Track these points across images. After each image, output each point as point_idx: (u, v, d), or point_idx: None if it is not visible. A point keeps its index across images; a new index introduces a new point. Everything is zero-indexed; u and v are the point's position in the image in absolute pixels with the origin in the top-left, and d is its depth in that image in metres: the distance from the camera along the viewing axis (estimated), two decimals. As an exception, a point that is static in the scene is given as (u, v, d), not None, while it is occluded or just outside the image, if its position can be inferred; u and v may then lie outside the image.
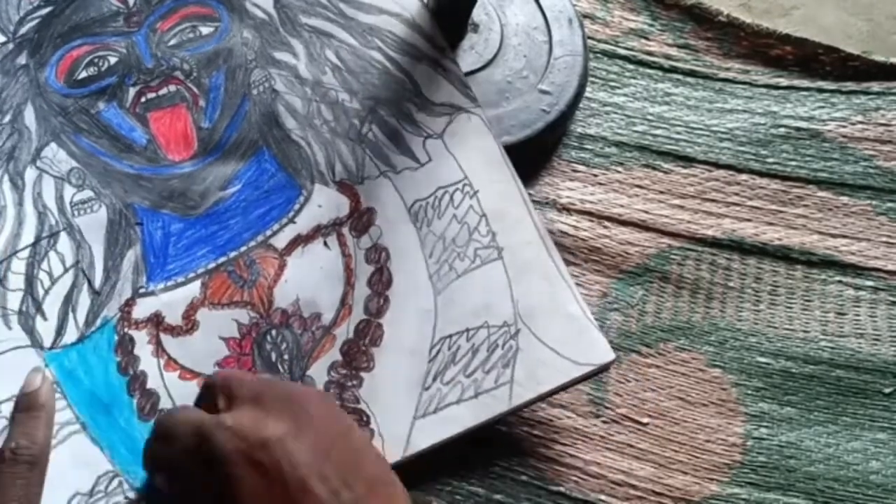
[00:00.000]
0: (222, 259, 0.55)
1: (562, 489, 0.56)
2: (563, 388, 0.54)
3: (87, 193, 0.56)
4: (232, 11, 0.62)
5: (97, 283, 0.54)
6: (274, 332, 0.54)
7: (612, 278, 0.63)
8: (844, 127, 0.69)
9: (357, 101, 0.60)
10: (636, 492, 0.56)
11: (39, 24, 0.61)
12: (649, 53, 0.71)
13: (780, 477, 0.57)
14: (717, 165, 0.67)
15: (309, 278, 0.55)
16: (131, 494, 0.50)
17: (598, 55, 0.71)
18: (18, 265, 0.54)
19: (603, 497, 0.56)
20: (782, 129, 0.69)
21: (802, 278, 0.64)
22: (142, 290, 0.54)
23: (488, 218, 0.57)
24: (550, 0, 0.68)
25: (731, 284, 0.63)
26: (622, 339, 0.61)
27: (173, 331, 0.54)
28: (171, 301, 0.54)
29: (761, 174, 0.67)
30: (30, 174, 0.56)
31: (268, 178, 0.58)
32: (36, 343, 0.53)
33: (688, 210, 0.65)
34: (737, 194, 0.66)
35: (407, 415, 0.52)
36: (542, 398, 0.54)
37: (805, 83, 0.71)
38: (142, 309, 0.54)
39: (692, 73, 0.71)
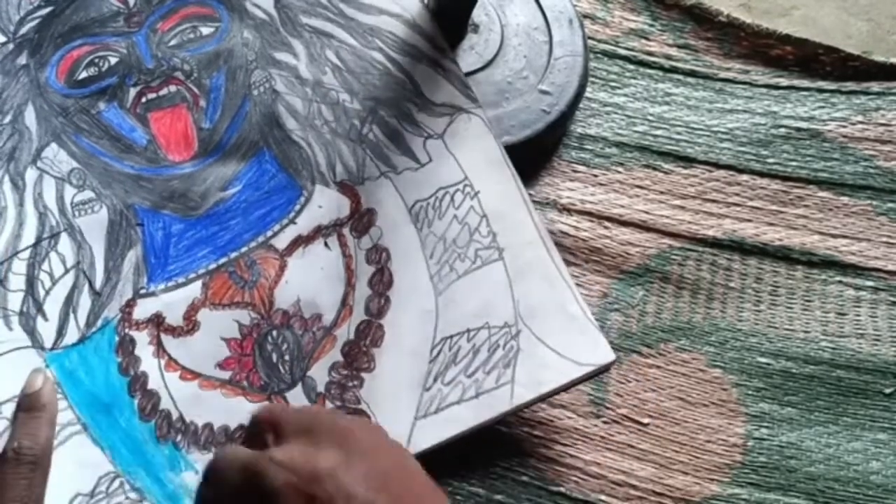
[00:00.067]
0: (223, 260, 0.55)
1: (562, 489, 0.56)
2: (564, 388, 0.54)
3: (88, 194, 0.56)
4: (232, 12, 0.62)
5: (98, 283, 0.54)
6: (275, 332, 0.54)
7: (613, 279, 0.63)
8: (844, 127, 0.69)
9: (357, 102, 0.60)
10: (637, 492, 0.56)
11: (40, 24, 0.61)
12: (649, 54, 0.71)
13: (780, 477, 0.57)
14: (718, 166, 0.67)
15: (310, 279, 0.55)
16: (132, 495, 0.50)
17: (599, 55, 0.71)
18: (19, 266, 0.54)
19: (603, 497, 0.56)
20: (782, 130, 0.69)
21: (803, 278, 0.64)
22: (142, 291, 0.54)
23: (489, 218, 0.57)
24: (551, 0, 0.68)
25: (731, 285, 0.63)
26: (623, 340, 0.61)
27: (174, 331, 0.54)
28: (171, 302, 0.54)
29: (762, 174, 0.67)
30: (30, 175, 0.56)
31: (268, 178, 0.58)
32: (37, 344, 0.53)
33: (688, 210, 0.65)
34: (737, 195, 0.66)
35: (408, 415, 0.52)
36: (543, 398, 0.54)
37: (805, 83, 0.71)
38: (142, 309, 0.54)
39: (692, 74, 0.71)
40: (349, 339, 0.54)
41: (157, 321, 0.54)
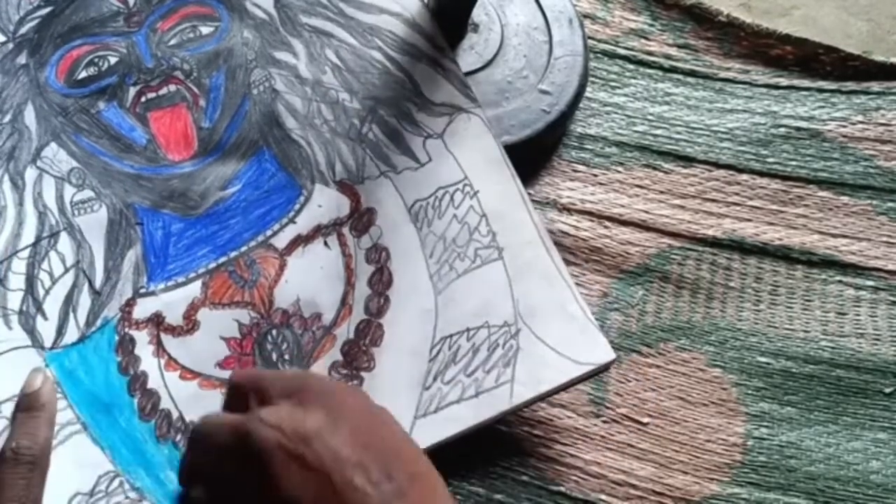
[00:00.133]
0: (223, 259, 0.55)
1: (562, 489, 0.56)
2: (564, 387, 0.54)
3: (88, 193, 0.56)
4: (232, 11, 0.62)
5: (98, 283, 0.54)
6: (275, 332, 0.54)
7: (613, 278, 0.63)
8: (844, 127, 0.69)
9: (357, 101, 0.60)
10: (636, 492, 0.56)
11: (39, 23, 0.61)
12: (649, 53, 0.71)
13: (780, 477, 0.57)
14: (718, 165, 0.67)
15: (309, 278, 0.55)
16: (132, 494, 0.50)
17: (599, 55, 0.71)
18: (19, 265, 0.54)
19: (603, 497, 0.56)
20: (782, 129, 0.69)
21: (803, 278, 0.64)
22: (142, 290, 0.54)
23: (488, 218, 0.57)
24: (551, 0, 0.68)
25: (731, 284, 0.63)
26: (622, 339, 0.61)
27: (174, 331, 0.54)
28: (171, 301, 0.54)
29: (762, 174, 0.67)
30: (30, 174, 0.56)
31: (268, 177, 0.58)
32: (36, 343, 0.53)
33: (688, 210, 0.65)
34: (737, 194, 0.66)
35: (408, 414, 0.52)
36: (543, 398, 0.54)
37: (805, 83, 0.71)
38: (142, 309, 0.54)
39: (692, 73, 0.71)
40: (349, 339, 0.54)
41: (156, 320, 0.54)
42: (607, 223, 0.64)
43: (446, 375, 0.53)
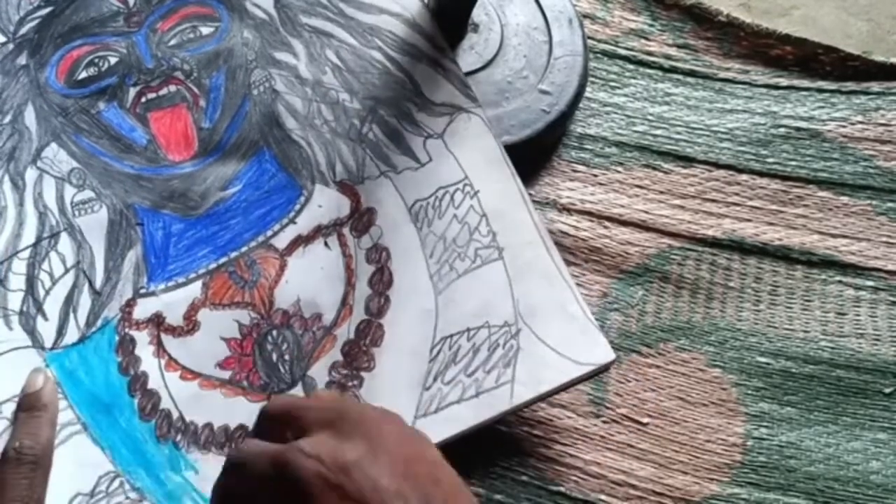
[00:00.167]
0: (223, 259, 0.55)
1: (562, 489, 0.56)
2: (564, 387, 0.54)
3: (88, 194, 0.56)
4: (232, 11, 0.62)
5: (98, 283, 0.54)
6: (275, 332, 0.54)
7: (613, 278, 0.63)
8: (844, 127, 0.69)
9: (357, 101, 0.60)
10: (636, 492, 0.56)
11: (39, 24, 0.61)
12: (649, 53, 0.71)
13: (780, 477, 0.57)
14: (718, 165, 0.67)
15: (310, 278, 0.55)
16: (132, 494, 0.50)
17: (599, 55, 0.71)
18: (19, 266, 0.54)
19: (603, 497, 0.56)
20: (782, 129, 0.69)
21: (802, 278, 0.64)
22: (142, 291, 0.54)
23: (489, 218, 0.57)
24: (550, 0, 0.68)
25: (731, 284, 0.63)
26: (622, 339, 0.61)
27: (174, 331, 0.54)
28: (171, 301, 0.54)
29: (761, 174, 0.67)
30: (30, 174, 0.56)
31: (268, 178, 0.58)
32: (37, 343, 0.53)
33: (688, 210, 0.65)
34: (737, 194, 0.66)
35: (408, 415, 0.52)
36: (543, 398, 0.54)
37: (805, 83, 0.71)
38: (142, 309, 0.54)
39: (692, 73, 0.71)
40: (349, 339, 0.54)
41: (157, 321, 0.54)
42: (607, 223, 0.64)
43: (446, 376, 0.53)
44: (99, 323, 0.53)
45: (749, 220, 0.65)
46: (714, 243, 0.64)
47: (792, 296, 0.63)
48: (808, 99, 0.70)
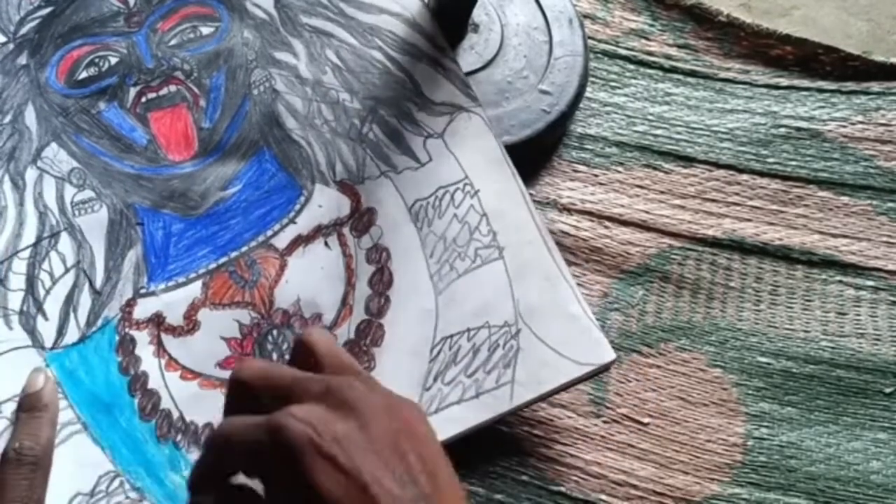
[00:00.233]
0: (223, 259, 0.55)
1: (562, 489, 0.56)
2: (564, 387, 0.54)
3: (88, 193, 0.56)
4: (232, 11, 0.62)
5: (98, 283, 0.54)
6: (275, 332, 0.54)
7: (613, 278, 0.63)
8: (845, 127, 0.69)
9: (357, 101, 0.60)
10: (637, 492, 0.56)
11: (40, 24, 0.61)
12: (650, 53, 0.71)
13: (780, 477, 0.57)
14: (718, 165, 0.67)
15: (310, 278, 0.55)
16: (132, 494, 0.50)
17: (599, 55, 0.71)
18: (19, 265, 0.54)
19: (604, 497, 0.56)
20: (782, 129, 0.69)
21: (803, 278, 0.64)
22: (143, 291, 0.54)
23: (489, 218, 0.57)
24: (551, 0, 0.68)
25: (731, 284, 0.63)
26: (623, 339, 0.61)
27: (174, 331, 0.54)
28: (172, 301, 0.54)
29: (762, 174, 0.67)
30: (31, 174, 0.56)
31: (268, 178, 0.58)
32: (37, 343, 0.53)
33: (688, 210, 0.65)
34: (737, 194, 0.66)
35: (408, 415, 0.52)
36: (543, 398, 0.54)
37: (805, 83, 0.71)
38: (143, 309, 0.54)
39: (692, 73, 0.71)
40: (349, 339, 0.54)
41: (157, 321, 0.54)
42: (607, 223, 0.64)
43: (447, 376, 0.53)
44: (99, 323, 0.53)
45: (749, 220, 0.65)
46: (714, 243, 0.64)
47: (792, 296, 0.63)
48: (808, 99, 0.70)
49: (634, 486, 0.56)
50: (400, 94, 0.60)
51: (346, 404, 0.42)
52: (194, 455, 0.51)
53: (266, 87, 0.60)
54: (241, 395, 0.45)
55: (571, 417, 0.58)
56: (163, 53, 0.60)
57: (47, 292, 0.54)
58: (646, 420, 0.58)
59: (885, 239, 0.65)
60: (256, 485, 0.45)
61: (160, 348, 0.53)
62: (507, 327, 0.54)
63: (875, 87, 0.70)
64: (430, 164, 0.58)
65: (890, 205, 0.66)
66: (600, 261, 0.63)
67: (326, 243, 0.56)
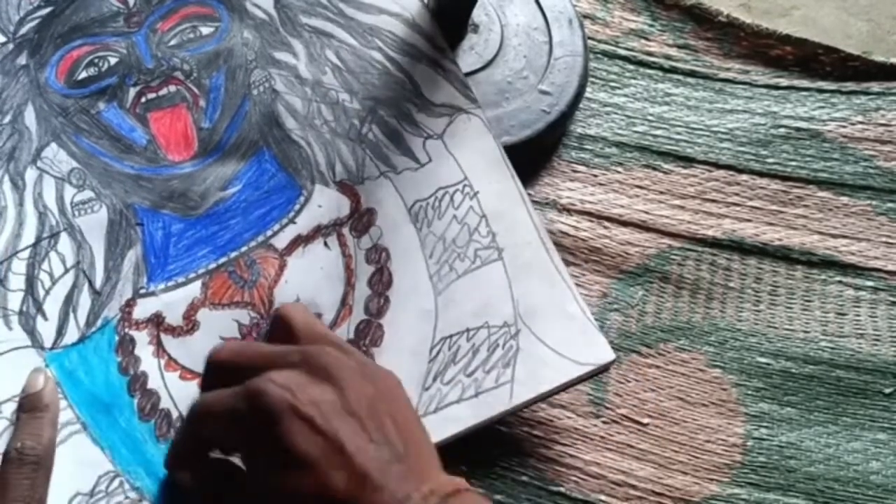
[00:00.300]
0: (223, 259, 0.55)
1: (562, 489, 0.56)
2: (564, 388, 0.54)
3: (88, 194, 0.56)
4: (232, 11, 0.62)
5: (98, 283, 0.54)
6: (274, 332, 0.54)
7: (612, 278, 0.63)
8: (844, 127, 0.69)
9: (357, 102, 0.60)
10: (636, 492, 0.56)
11: (39, 24, 0.61)
12: (649, 54, 0.71)
13: (780, 477, 0.57)
14: (718, 166, 0.67)
15: (309, 279, 0.55)
16: (132, 494, 0.50)
17: (599, 55, 0.71)
18: (19, 265, 0.54)
19: (603, 497, 0.56)
20: (782, 130, 0.69)
21: (802, 278, 0.64)
22: (142, 291, 0.54)
23: (488, 218, 0.57)
24: (550, 0, 0.68)
25: (731, 285, 0.63)
26: (622, 340, 0.61)
27: (174, 331, 0.54)
28: (171, 301, 0.54)
29: (761, 174, 0.67)
30: (30, 174, 0.56)
31: (268, 178, 0.58)
32: (36, 343, 0.53)
33: (688, 210, 0.65)
34: (737, 194, 0.66)
35: (407, 415, 0.52)
36: (543, 398, 0.54)
37: (805, 83, 0.71)
38: (142, 309, 0.54)
39: (692, 74, 0.71)
40: (349, 339, 0.54)
41: (156, 321, 0.54)
42: (607, 223, 0.64)
43: (446, 376, 0.53)
44: (99, 323, 0.53)
45: (749, 221, 0.65)
46: (714, 243, 0.65)
47: (792, 296, 0.63)
48: (808, 99, 0.70)
49: (634, 487, 0.56)
50: (399, 94, 0.60)
51: (323, 370, 0.43)
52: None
53: (266, 88, 0.60)
54: (219, 375, 0.46)
55: (571, 418, 0.58)
56: (162, 53, 0.60)
57: (47, 292, 0.54)
58: (645, 420, 0.58)
59: (884, 239, 0.65)
60: (235, 461, 0.45)
61: (160, 348, 0.53)
62: (506, 328, 0.54)
63: (875, 87, 0.70)
64: (430, 164, 0.58)
65: (890, 205, 0.66)
66: (600, 261, 0.63)
67: (326, 243, 0.56)
